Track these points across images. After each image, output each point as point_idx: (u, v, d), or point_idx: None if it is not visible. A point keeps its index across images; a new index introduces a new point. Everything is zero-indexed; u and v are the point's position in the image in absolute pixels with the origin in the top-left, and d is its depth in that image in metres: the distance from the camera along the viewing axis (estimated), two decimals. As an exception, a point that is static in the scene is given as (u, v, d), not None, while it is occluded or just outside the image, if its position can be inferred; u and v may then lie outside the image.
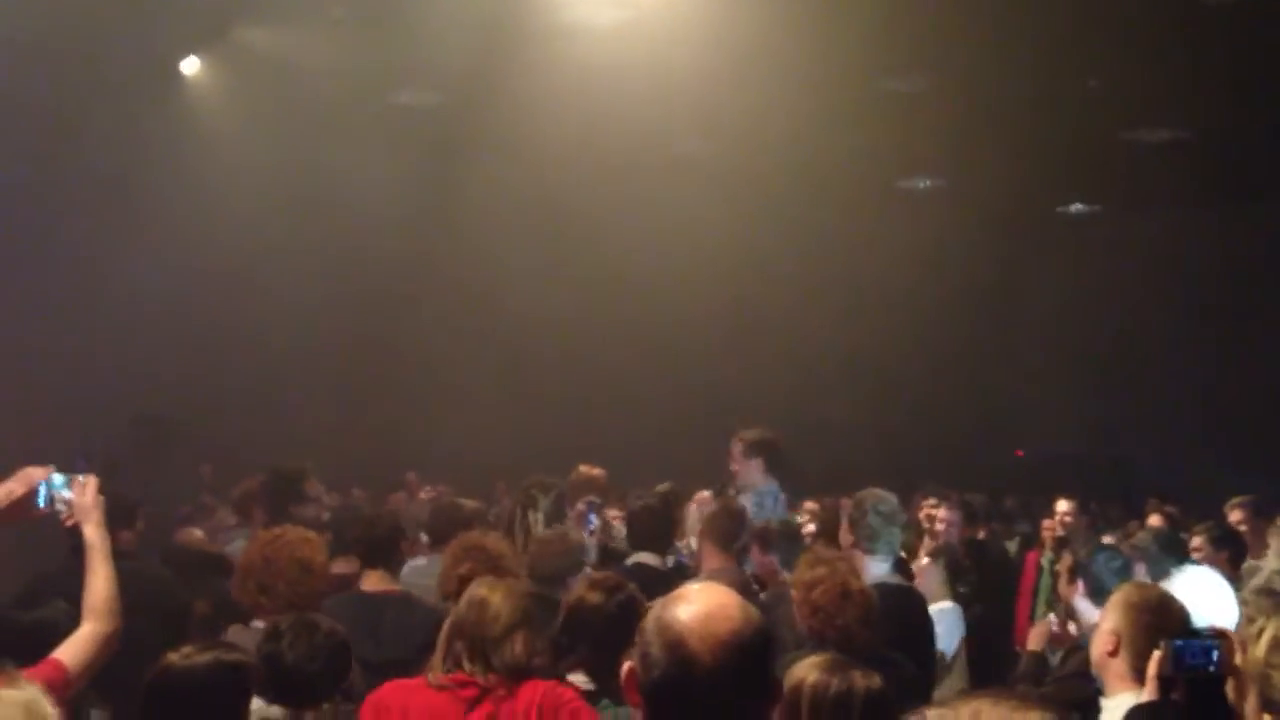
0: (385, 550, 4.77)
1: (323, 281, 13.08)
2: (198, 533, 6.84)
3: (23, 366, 10.76)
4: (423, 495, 10.43)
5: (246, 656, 3.00)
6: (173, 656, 2.90)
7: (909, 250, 13.67)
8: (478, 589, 3.49)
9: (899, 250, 13.68)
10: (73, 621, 3.32)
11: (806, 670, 2.97)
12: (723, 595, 1.97)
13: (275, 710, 3.19)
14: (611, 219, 13.37)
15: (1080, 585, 4.48)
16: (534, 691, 3.33)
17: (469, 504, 5.99)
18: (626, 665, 1.95)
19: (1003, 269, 15.53)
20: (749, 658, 1.88)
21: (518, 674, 3.34)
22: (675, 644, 1.87)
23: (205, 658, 2.89)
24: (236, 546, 5.78)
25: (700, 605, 1.91)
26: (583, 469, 6.68)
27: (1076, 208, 14.84)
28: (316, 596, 4.12)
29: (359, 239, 13.16)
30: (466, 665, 3.34)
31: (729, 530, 5.16)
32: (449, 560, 4.37)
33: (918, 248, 13.63)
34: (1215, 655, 2.65)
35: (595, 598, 3.67)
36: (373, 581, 4.69)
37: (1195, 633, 2.79)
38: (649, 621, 1.94)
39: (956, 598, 5.94)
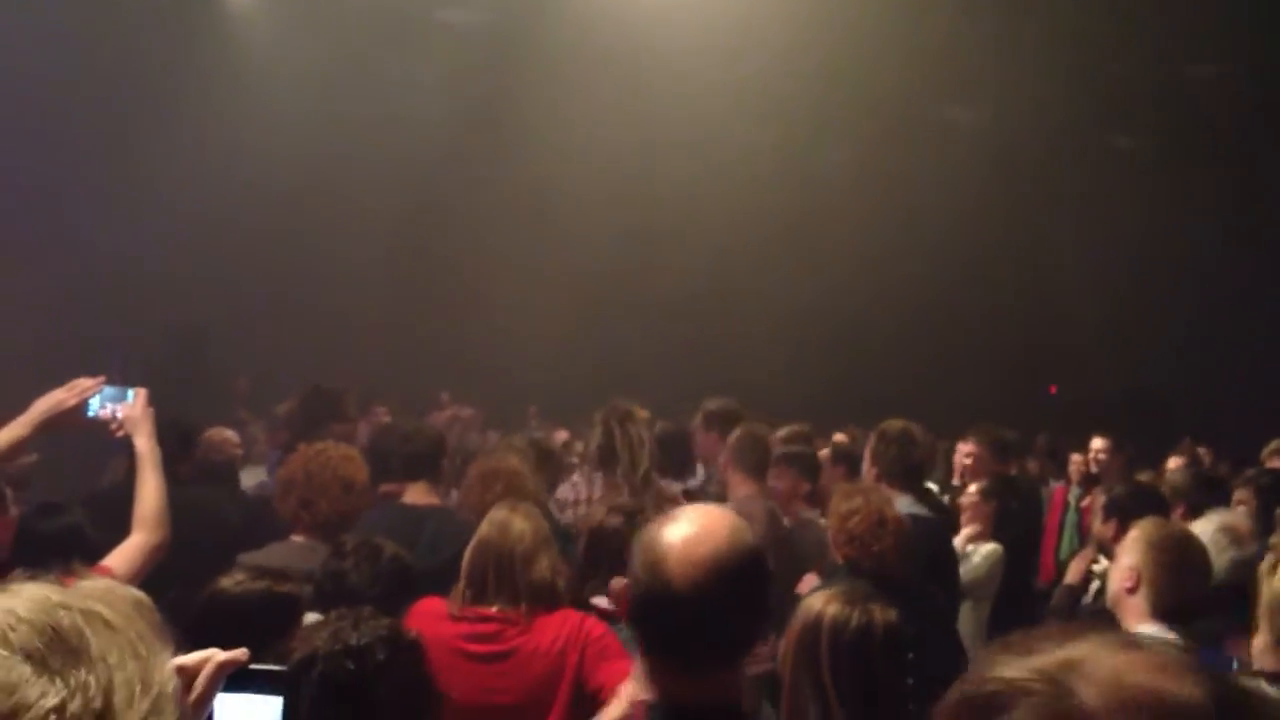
0: (426, 464, 4.78)
1: (367, 194, 13.03)
2: (227, 433, 6.69)
3: (63, 272, 10.88)
4: (449, 414, 10.28)
5: (297, 588, 3.03)
6: (226, 582, 2.93)
7: (949, 184, 13.47)
8: (499, 511, 3.54)
9: (939, 183, 13.48)
10: (94, 528, 3.37)
11: (824, 602, 2.88)
12: (713, 518, 1.95)
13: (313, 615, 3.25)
14: (661, 142, 13.16)
15: (1115, 523, 4.48)
16: (563, 625, 3.32)
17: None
18: (622, 582, 1.97)
19: (1040, 205, 15.29)
20: (727, 581, 1.84)
21: (543, 596, 3.35)
22: (655, 564, 1.87)
23: (259, 586, 2.93)
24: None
25: (685, 527, 1.90)
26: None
27: (1116, 144, 14.54)
28: (356, 515, 4.14)
29: (406, 153, 13.02)
30: (492, 591, 3.36)
31: (756, 457, 5.09)
32: (478, 486, 4.42)
33: (959, 180, 13.43)
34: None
35: (615, 521, 3.72)
36: (414, 494, 4.71)
37: None
38: (640, 538, 1.95)
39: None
